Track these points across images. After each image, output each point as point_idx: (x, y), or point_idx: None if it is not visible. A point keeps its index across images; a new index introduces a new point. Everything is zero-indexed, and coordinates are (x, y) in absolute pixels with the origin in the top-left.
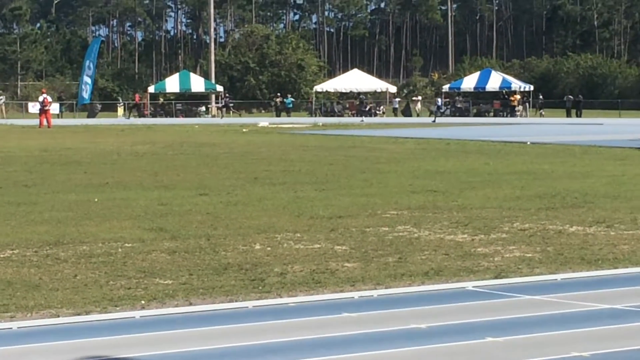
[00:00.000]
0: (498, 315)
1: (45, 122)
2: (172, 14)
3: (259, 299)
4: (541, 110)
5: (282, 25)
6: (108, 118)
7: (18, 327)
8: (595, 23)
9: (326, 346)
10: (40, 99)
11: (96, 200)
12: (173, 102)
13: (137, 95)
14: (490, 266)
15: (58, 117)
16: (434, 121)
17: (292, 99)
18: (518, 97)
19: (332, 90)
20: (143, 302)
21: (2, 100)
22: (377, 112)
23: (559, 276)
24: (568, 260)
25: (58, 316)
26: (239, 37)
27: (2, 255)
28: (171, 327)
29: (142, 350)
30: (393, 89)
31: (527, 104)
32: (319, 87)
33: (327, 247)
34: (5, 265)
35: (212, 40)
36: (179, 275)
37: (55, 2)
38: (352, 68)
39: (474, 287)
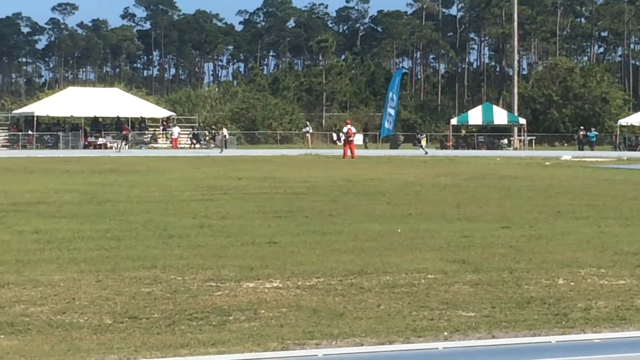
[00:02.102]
0: None
1: (349, 153)
2: (475, 46)
3: (562, 334)
4: None
5: (586, 58)
6: (409, 149)
7: (323, 355)
8: None
9: None
10: (345, 129)
11: (399, 230)
12: (475, 134)
13: None
14: None
15: (362, 148)
16: None
17: (596, 133)
18: None
19: (637, 124)
20: (446, 333)
21: (308, 131)
22: None
23: None
24: None
25: (362, 344)
26: (542, 70)
27: (308, 283)
28: None
29: None
30: None
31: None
32: (623, 121)
33: (632, 283)
34: (311, 293)
35: (516, 72)
36: (482, 307)
37: (360, 34)
38: None
39: None
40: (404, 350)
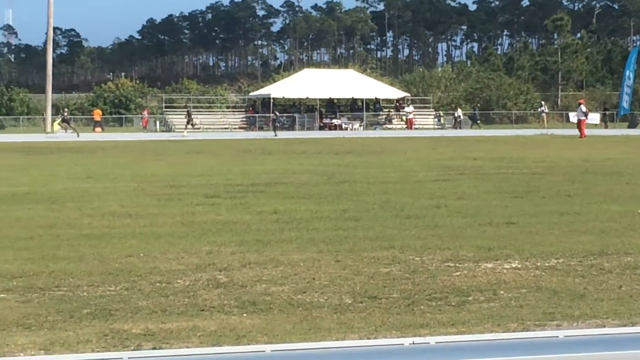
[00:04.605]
0: None
1: (586, 132)
2: None
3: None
4: None
5: None
6: None
7: (564, 336)
8: None
9: None
10: (584, 109)
11: (639, 212)
12: None
13: None
14: None
15: (600, 127)
16: None
17: None
18: None
19: None
20: None
21: (544, 110)
22: None
23: None
24: None
25: (604, 326)
26: None
27: (547, 264)
28: None
29: None
30: None
31: None
32: None
33: None
34: (550, 274)
35: None
36: None
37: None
38: None
39: None
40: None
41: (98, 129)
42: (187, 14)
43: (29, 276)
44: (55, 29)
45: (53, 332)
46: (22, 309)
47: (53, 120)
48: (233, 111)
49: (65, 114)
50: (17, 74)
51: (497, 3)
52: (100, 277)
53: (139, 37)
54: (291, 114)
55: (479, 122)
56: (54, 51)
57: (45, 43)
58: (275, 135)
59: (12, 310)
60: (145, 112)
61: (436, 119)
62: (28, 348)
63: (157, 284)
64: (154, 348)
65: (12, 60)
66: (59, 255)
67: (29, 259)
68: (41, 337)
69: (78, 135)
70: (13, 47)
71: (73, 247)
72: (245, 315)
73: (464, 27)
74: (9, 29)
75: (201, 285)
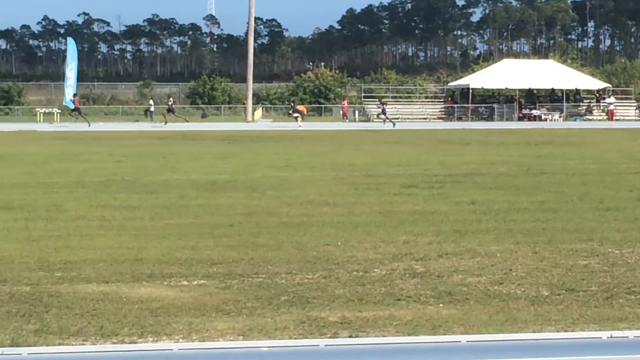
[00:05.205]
0: None
1: None
2: None
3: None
4: None
5: None
6: None
7: None
8: None
9: None
10: None
11: None
12: None
13: None
14: None
15: None
16: None
17: None
18: None
19: None
20: None
21: None
22: None
23: None
24: None
25: None
26: None
27: None
28: None
29: None
30: None
31: None
32: None
33: None
34: None
35: None
36: None
37: None
38: None
39: None
40: None
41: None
42: (387, 4)
43: (229, 263)
44: (256, 19)
45: (251, 319)
46: (222, 295)
47: (254, 109)
48: (432, 101)
49: (170, 103)
50: (219, 64)
51: None
52: (298, 264)
53: (339, 27)
54: (490, 105)
55: None
56: (255, 41)
57: (246, 33)
58: (393, 125)
59: (211, 296)
60: (346, 101)
61: (638, 111)
62: (227, 333)
63: (354, 273)
64: (350, 336)
65: (215, 49)
66: (258, 242)
67: (229, 246)
68: (240, 323)
69: (187, 121)
70: (215, 37)
71: (272, 234)
72: (441, 305)
73: None
74: (211, 19)
75: (398, 274)
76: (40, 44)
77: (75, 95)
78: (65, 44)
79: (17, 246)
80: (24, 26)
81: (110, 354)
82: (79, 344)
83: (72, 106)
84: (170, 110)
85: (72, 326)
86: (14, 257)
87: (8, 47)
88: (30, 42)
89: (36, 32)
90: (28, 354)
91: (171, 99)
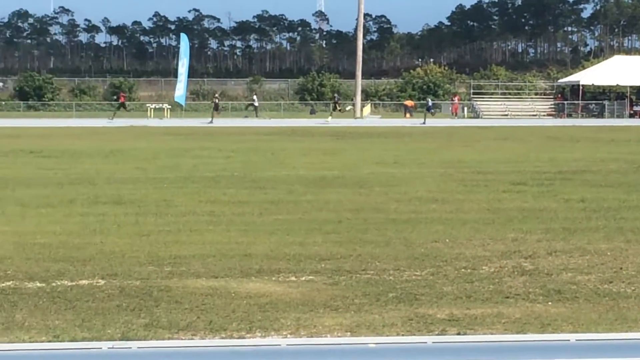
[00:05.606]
0: None
1: None
2: None
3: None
4: None
5: None
6: None
7: None
8: None
9: None
10: None
11: None
12: None
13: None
14: None
15: None
16: None
17: None
18: None
19: None
20: None
21: None
22: None
23: None
24: None
25: None
26: None
27: None
28: None
29: None
30: None
31: None
32: None
33: None
34: None
35: None
36: None
37: None
38: None
39: None
40: None
41: (408, 115)
42: (496, 0)
43: (337, 259)
44: (365, 15)
45: (359, 315)
46: (330, 291)
47: (362, 106)
48: (541, 98)
49: (217, 99)
50: (327, 60)
51: None
52: (406, 261)
53: (448, 24)
54: (600, 101)
55: None
56: (364, 37)
57: (355, 29)
58: (424, 123)
59: (319, 292)
60: (456, 98)
61: None
62: (335, 330)
63: (462, 270)
64: (458, 334)
65: (324, 46)
66: (366, 239)
67: (337, 242)
68: (348, 319)
69: (211, 122)
70: (324, 33)
71: (380, 231)
72: (550, 303)
73: None
74: (320, 15)
75: (506, 272)
76: (151, 40)
77: (122, 92)
78: (176, 40)
79: (127, 241)
80: (135, 22)
81: (219, 349)
82: (188, 339)
83: (183, 103)
84: (216, 107)
85: (182, 321)
86: (124, 252)
87: (120, 43)
88: (142, 38)
89: (147, 28)
90: (138, 347)
91: (217, 95)
